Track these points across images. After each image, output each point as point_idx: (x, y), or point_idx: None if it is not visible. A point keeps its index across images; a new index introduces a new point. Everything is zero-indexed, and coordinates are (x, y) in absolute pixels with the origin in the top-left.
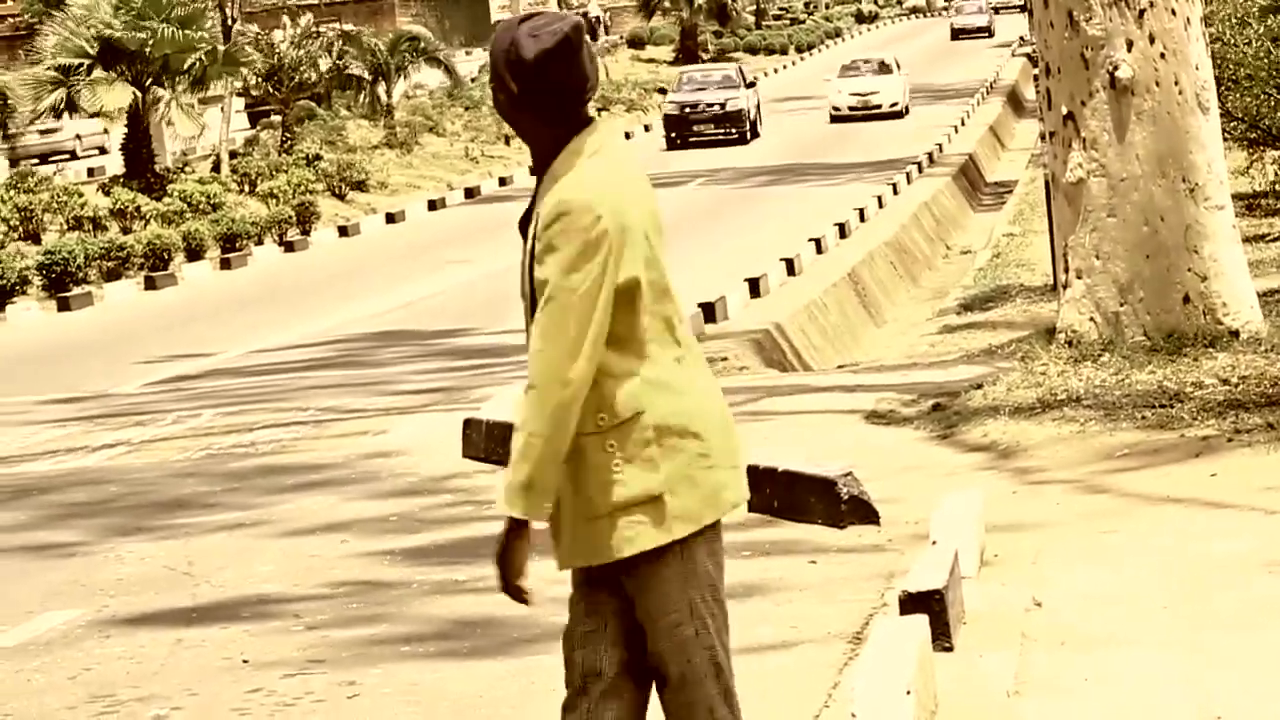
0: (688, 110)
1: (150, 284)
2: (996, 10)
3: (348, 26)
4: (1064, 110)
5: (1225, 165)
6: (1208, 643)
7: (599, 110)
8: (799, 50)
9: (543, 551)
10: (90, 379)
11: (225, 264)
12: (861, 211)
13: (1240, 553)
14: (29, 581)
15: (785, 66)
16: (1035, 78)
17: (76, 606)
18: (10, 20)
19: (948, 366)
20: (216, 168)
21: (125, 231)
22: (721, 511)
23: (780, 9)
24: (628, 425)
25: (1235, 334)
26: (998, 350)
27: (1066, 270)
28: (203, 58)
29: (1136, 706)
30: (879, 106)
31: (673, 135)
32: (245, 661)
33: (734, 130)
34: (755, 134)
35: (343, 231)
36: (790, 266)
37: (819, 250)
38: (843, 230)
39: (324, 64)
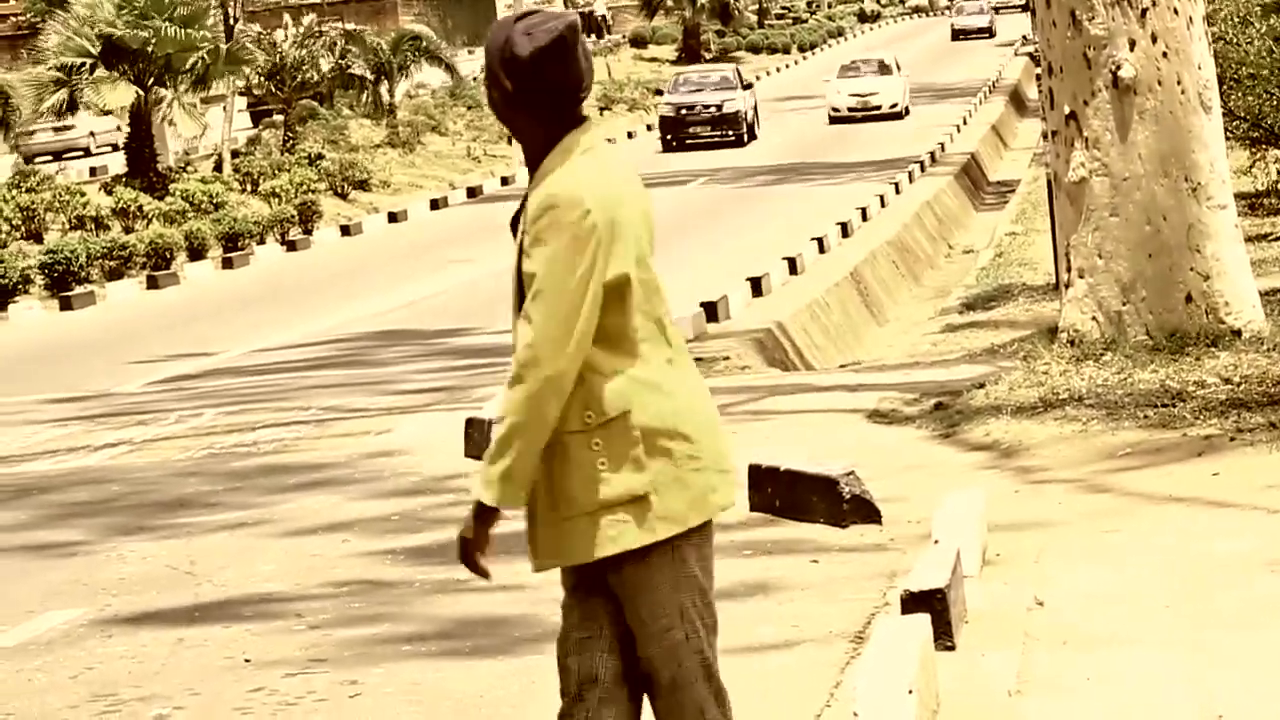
0: (684, 112)
1: (152, 283)
2: (997, 10)
3: (350, 26)
4: (1066, 109)
5: (1228, 164)
6: (1210, 642)
7: (601, 110)
8: (801, 49)
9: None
10: (92, 378)
11: (227, 263)
12: (864, 210)
13: (1242, 552)
14: (30, 581)
15: (787, 66)
16: (1038, 77)
17: (78, 606)
18: (12, 19)
19: (950, 366)
20: (219, 167)
21: (127, 231)
22: (708, 514)
23: (783, 8)
24: (615, 424)
25: (1237, 333)
26: (1000, 349)
27: (1069, 269)
28: (205, 57)
29: (1138, 706)
30: (878, 107)
31: (668, 138)
32: (247, 661)
33: (731, 132)
34: (753, 136)
35: (345, 231)
36: (792, 265)
37: (821, 249)
38: (845, 229)
39: (326, 63)
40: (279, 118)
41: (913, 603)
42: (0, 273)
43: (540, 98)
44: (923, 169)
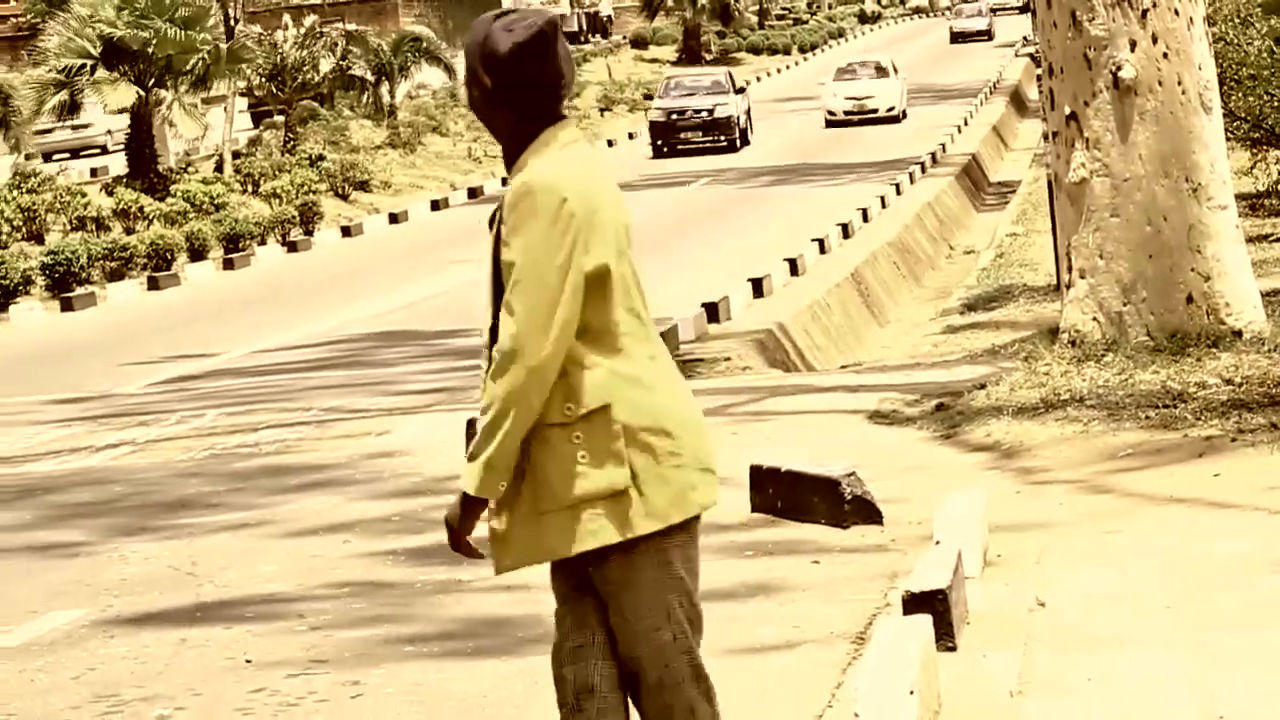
0: (674, 117)
1: (153, 284)
2: (994, 11)
3: (351, 27)
4: (1067, 110)
5: (1228, 165)
6: (1211, 643)
7: (601, 111)
8: (802, 50)
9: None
10: (93, 379)
11: (228, 264)
12: (864, 211)
13: (1244, 553)
14: (33, 581)
15: (788, 67)
16: (1038, 78)
17: (80, 606)
18: (12, 20)
19: (951, 366)
20: (219, 168)
21: (128, 232)
22: (689, 512)
23: (783, 9)
24: (596, 417)
25: (1238, 334)
26: (1001, 350)
27: (1069, 270)
28: (206, 58)
29: (1140, 707)
30: (875, 111)
31: (659, 143)
32: (249, 661)
33: (722, 138)
34: (745, 141)
35: (346, 232)
36: (793, 266)
37: (822, 250)
38: (846, 230)
39: (327, 64)
40: (280, 119)
41: (914, 603)
42: (1, 274)
43: (519, 93)
44: (923, 170)
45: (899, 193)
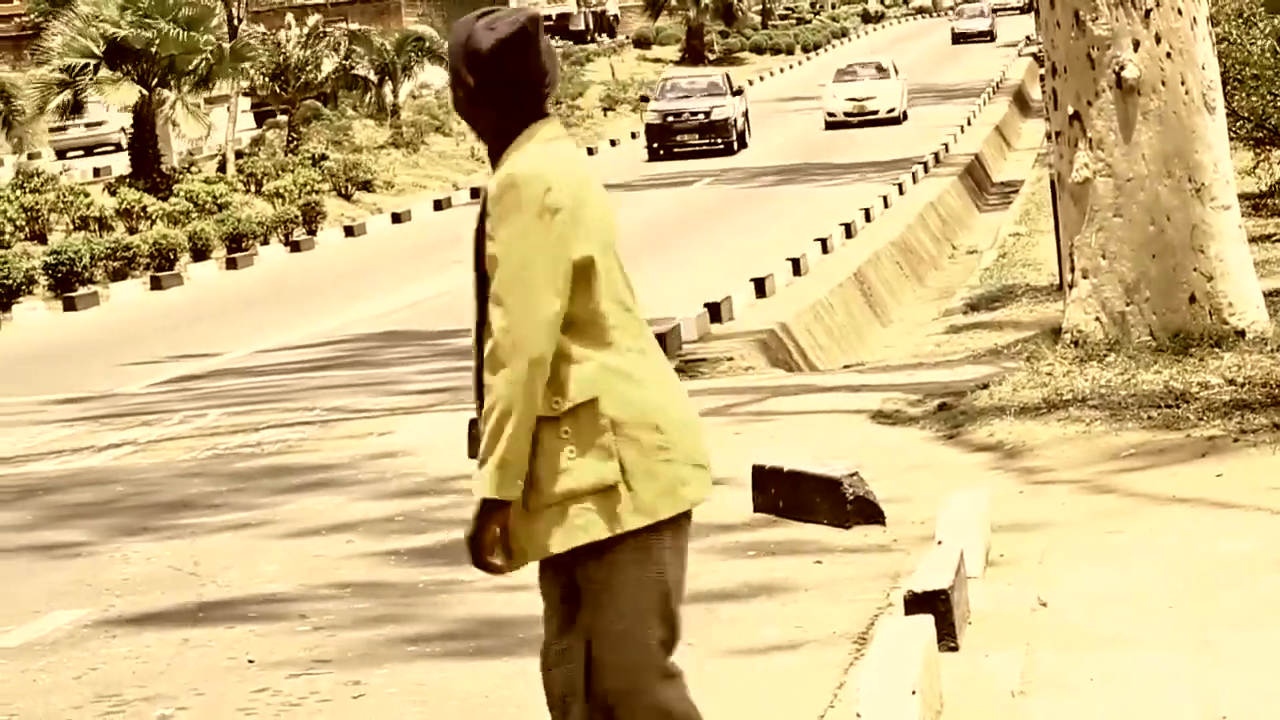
0: (671, 119)
1: (156, 284)
2: (995, 12)
3: (354, 26)
4: (1070, 110)
5: (1231, 165)
6: (1214, 642)
7: (604, 110)
8: (805, 50)
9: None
10: (96, 379)
11: (231, 264)
12: (867, 211)
13: (1246, 552)
14: (34, 581)
15: (791, 67)
16: (1041, 78)
17: (82, 606)
18: (16, 20)
19: (954, 366)
20: (222, 168)
21: (131, 231)
22: (679, 507)
23: (786, 9)
24: (583, 411)
25: (1241, 334)
26: (1004, 350)
27: (1072, 270)
28: (209, 58)
29: (1142, 706)
30: (875, 112)
31: (655, 146)
32: (251, 661)
33: (719, 140)
34: (743, 144)
35: (349, 231)
36: (796, 266)
37: (825, 250)
38: (849, 230)
39: (330, 64)
40: (283, 118)
41: (916, 603)
42: (4, 273)
43: (502, 90)
44: (926, 170)
45: (902, 192)
